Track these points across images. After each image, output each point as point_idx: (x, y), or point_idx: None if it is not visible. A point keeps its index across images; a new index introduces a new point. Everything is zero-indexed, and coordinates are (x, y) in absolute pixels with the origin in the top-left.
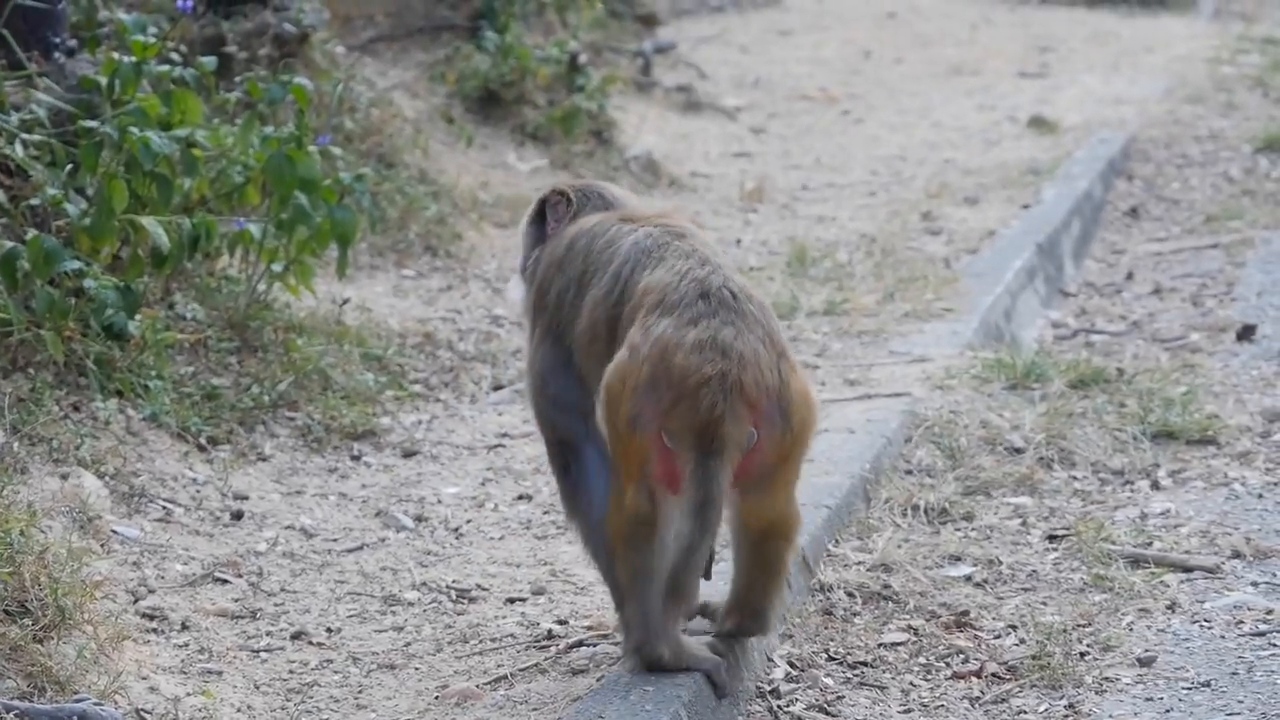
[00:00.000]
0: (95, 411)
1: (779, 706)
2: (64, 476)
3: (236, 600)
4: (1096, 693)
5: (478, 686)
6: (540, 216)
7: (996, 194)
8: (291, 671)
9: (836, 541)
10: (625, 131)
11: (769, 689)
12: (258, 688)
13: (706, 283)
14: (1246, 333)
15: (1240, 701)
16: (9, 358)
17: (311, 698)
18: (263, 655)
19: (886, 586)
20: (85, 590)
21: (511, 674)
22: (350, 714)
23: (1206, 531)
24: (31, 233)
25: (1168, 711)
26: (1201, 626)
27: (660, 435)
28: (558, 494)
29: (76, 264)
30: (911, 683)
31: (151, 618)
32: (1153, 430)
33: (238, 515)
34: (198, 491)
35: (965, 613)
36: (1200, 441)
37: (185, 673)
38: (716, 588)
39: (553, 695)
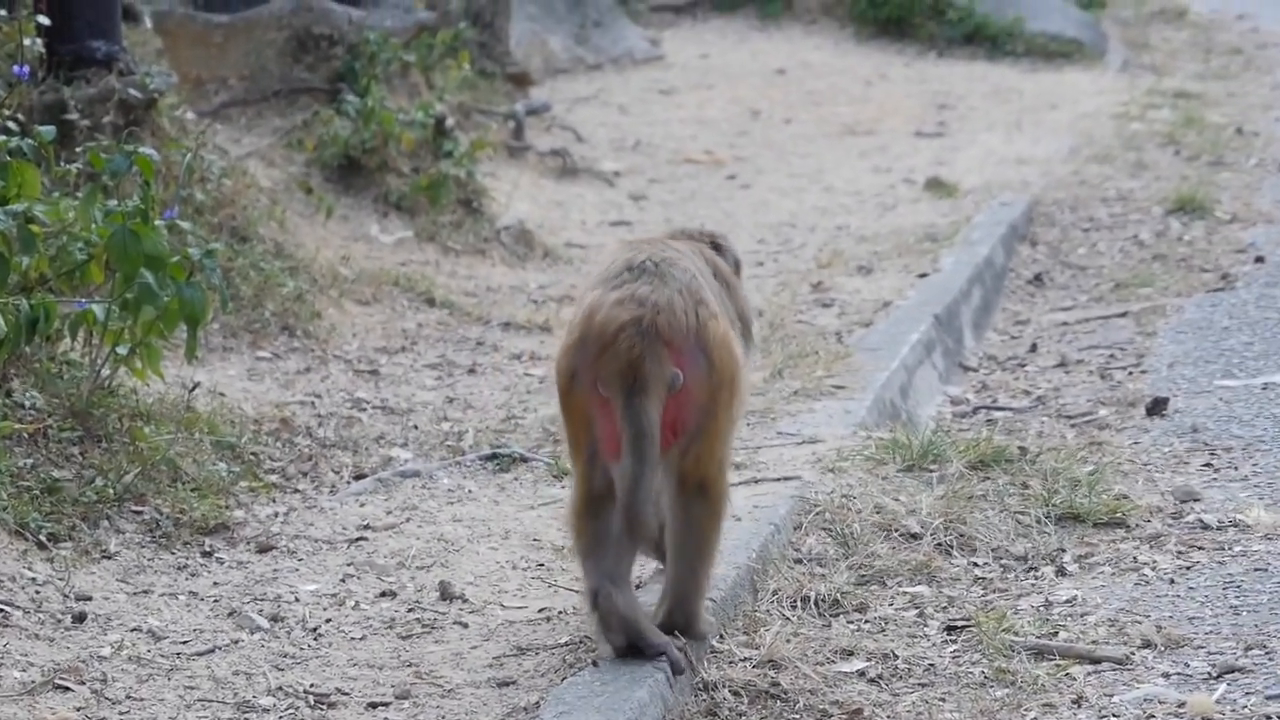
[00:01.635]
0: None
1: None
2: None
3: (79, 709)
4: None
5: None
6: None
7: (892, 262)
8: None
9: (721, 637)
10: (496, 200)
11: None
12: None
13: (635, 260)
14: (1157, 407)
15: None
16: None
17: None
18: None
19: (775, 684)
20: None
21: None
22: None
23: (1115, 620)
24: None
25: None
26: None
27: (595, 386)
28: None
29: None
30: None
31: None
32: (1058, 513)
33: (80, 617)
34: (37, 592)
35: (859, 711)
36: (1108, 524)
37: None
38: None
39: None
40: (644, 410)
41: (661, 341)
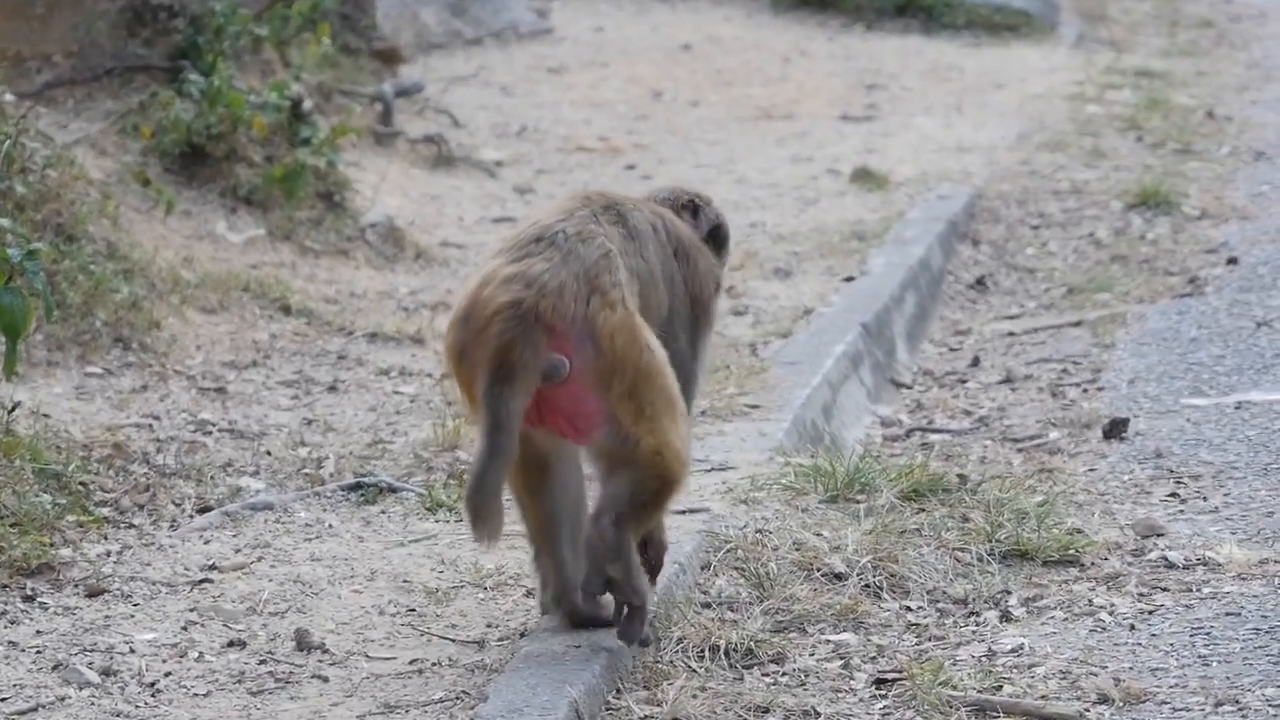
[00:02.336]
0: None
1: None
2: None
3: None
4: None
5: None
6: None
7: (814, 264)
8: None
9: (618, 692)
10: (361, 193)
11: None
12: None
13: (548, 229)
14: (1116, 429)
15: None
16: None
17: None
18: None
19: None
20: None
21: None
22: None
23: (1067, 672)
24: None
25: None
26: None
27: (475, 367)
28: None
29: None
30: None
31: None
32: (1002, 549)
33: None
34: None
35: None
36: (1060, 562)
37: None
38: None
39: None
40: (503, 399)
41: (541, 328)
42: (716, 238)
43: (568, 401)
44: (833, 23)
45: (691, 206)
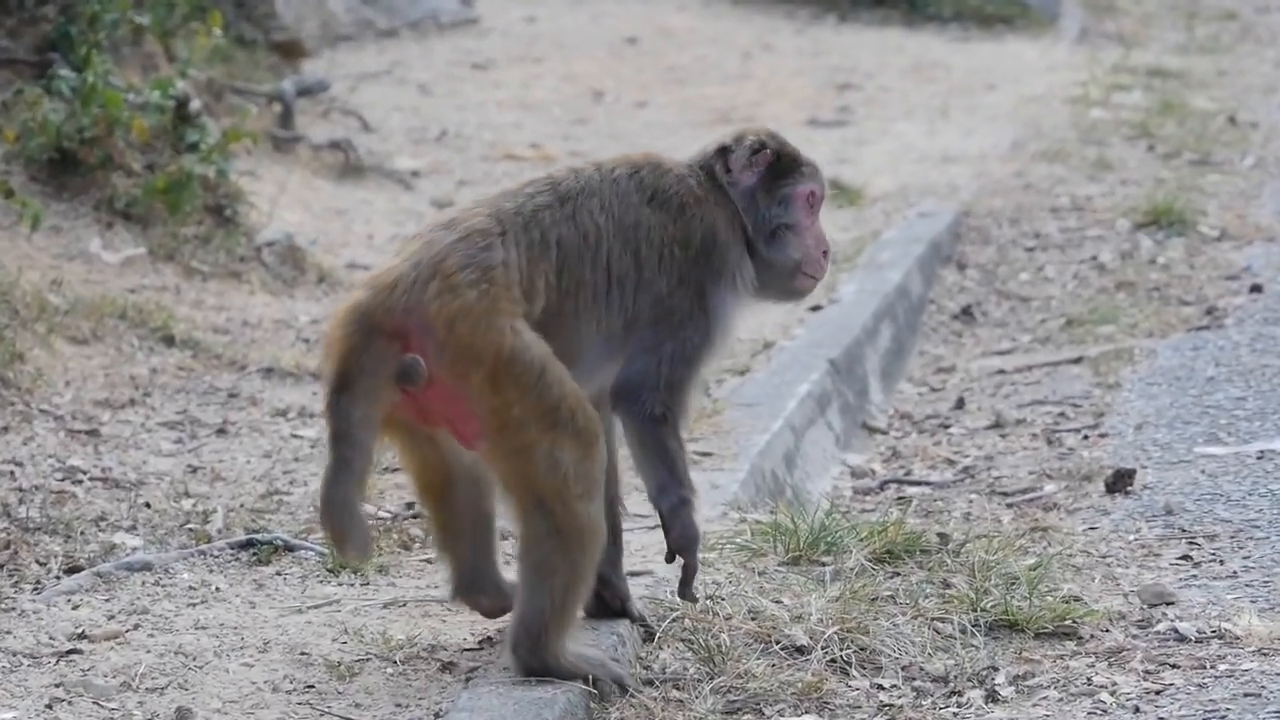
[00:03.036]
0: None
1: None
2: None
3: None
4: None
5: None
6: None
7: None
8: None
9: None
10: (256, 207)
11: None
12: None
13: (442, 217)
14: (1121, 481)
15: None
16: None
17: None
18: None
19: None
20: None
21: None
22: None
23: None
24: None
25: None
26: None
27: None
28: None
29: None
30: None
31: None
32: (989, 620)
33: None
34: None
35: None
36: (1055, 634)
37: None
38: None
39: None
40: (342, 408)
41: (379, 331)
42: (773, 169)
43: (440, 403)
44: (801, 12)
45: (721, 152)
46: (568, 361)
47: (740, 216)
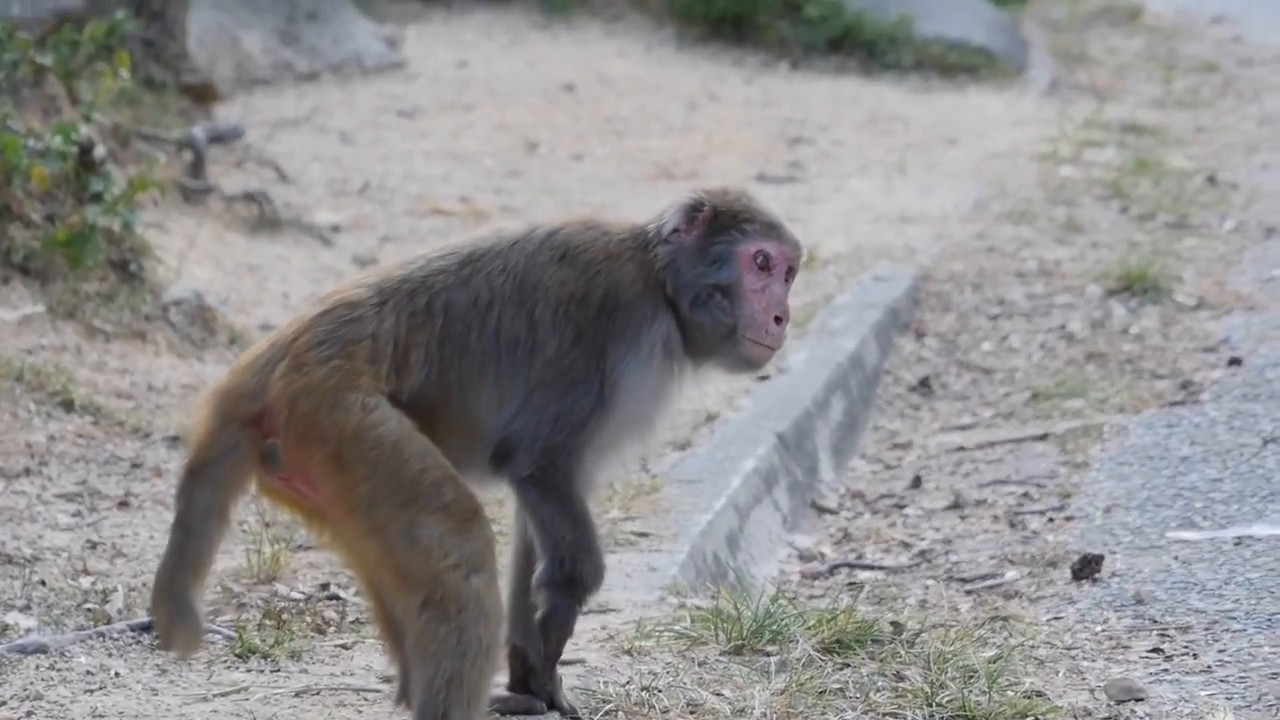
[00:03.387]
0: None
1: None
2: None
3: None
4: None
5: None
6: None
7: None
8: None
9: None
10: (164, 262)
11: None
12: None
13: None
14: (1088, 568)
15: None
16: None
17: None
18: None
19: None
20: None
21: None
22: None
23: None
24: None
25: None
26: None
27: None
28: None
29: None
30: None
31: None
32: (945, 715)
33: None
34: None
35: None
36: None
37: None
38: None
39: None
40: (187, 493)
41: (232, 415)
42: (712, 226)
43: (305, 488)
44: (750, 60)
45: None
46: (463, 437)
47: (656, 274)
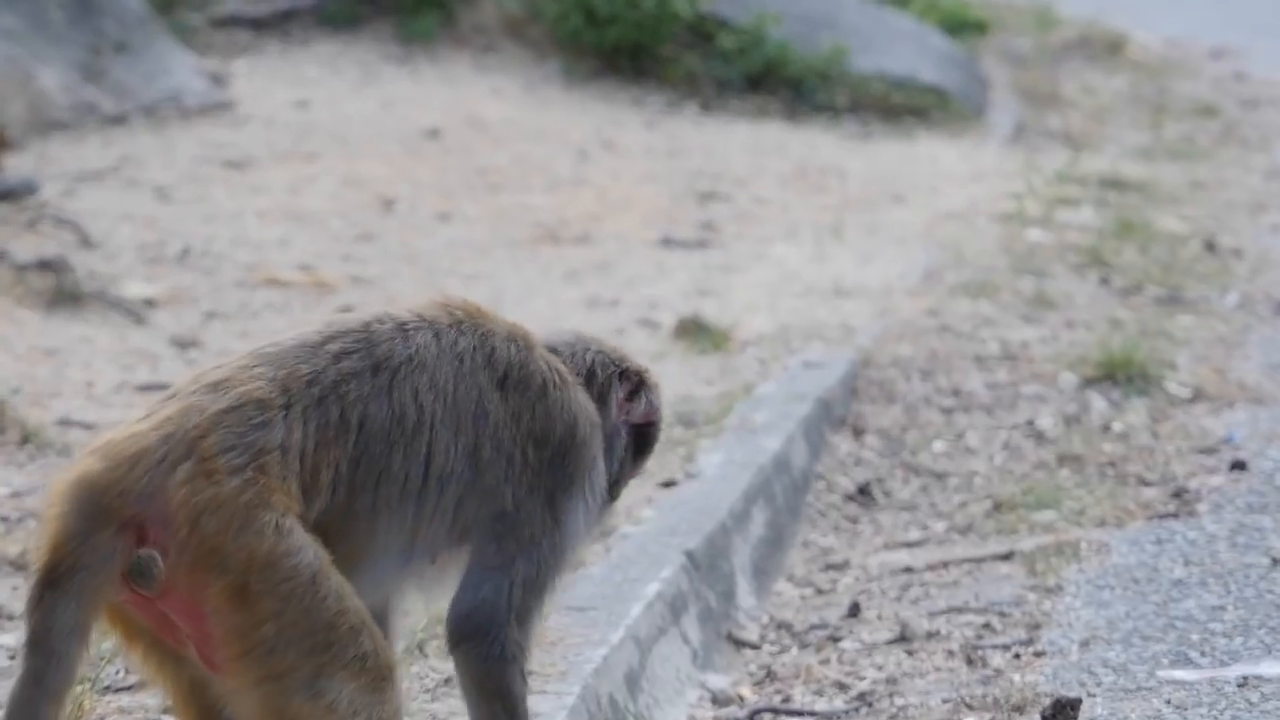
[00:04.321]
0: None
1: None
2: None
3: None
4: None
5: None
6: None
7: None
8: None
9: None
10: None
11: None
12: None
13: (205, 375)
14: (1062, 714)
15: None
16: None
17: None
18: None
19: None
20: None
21: None
22: None
23: None
24: None
25: None
26: None
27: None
28: None
29: None
30: None
31: None
32: None
33: None
34: None
35: None
36: None
37: None
38: None
39: None
40: (46, 608)
41: (106, 514)
42: (641, 439)
43: (180, 614)
44: (652, 100)
45: (634, 380)
46: (362, 570)
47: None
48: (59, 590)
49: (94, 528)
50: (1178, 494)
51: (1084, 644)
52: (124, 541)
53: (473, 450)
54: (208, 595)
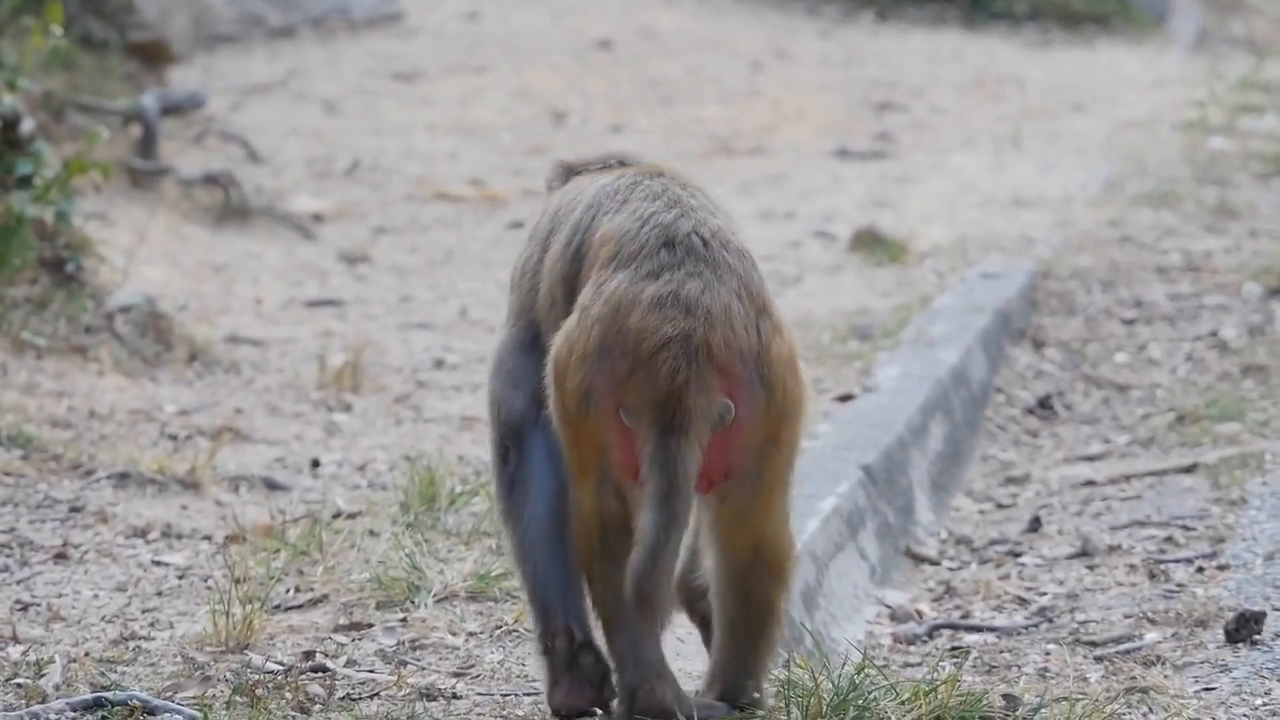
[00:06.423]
0: None
1: None
2: None
3: None
4: None
5: None
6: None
7: None
8: None
9: None
10: (108, 261)
11: None
12: None
13: (673, 228)
14: (1246, 628)
15: None
16: None
17: None
18: None
19: None
20: None
21: None
22: None
23: None
24: None
25: None
26: None
27: (617, 413)
28: (494, 495)
29: None
30: None
31: None
32: None
33: None
34: None
35: None
36: None
37: None
38: None
39: None
40: (680, 456)
41: (713, 367)
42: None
43: (719, 450)
44: (827, 8)
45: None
46: None
47: None
48: (685, 436)
49: (705, 382)
50: None
51: (1268, 557)
52: (718, 392)
53: None
54: (780, 436)
